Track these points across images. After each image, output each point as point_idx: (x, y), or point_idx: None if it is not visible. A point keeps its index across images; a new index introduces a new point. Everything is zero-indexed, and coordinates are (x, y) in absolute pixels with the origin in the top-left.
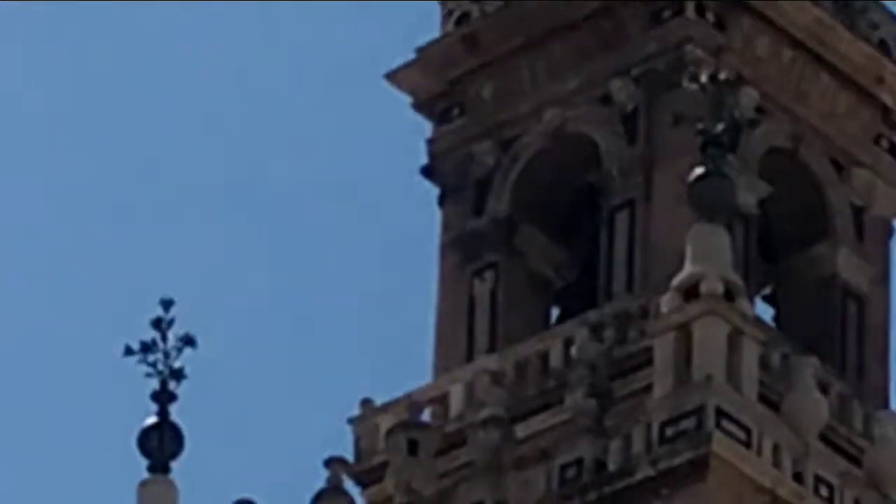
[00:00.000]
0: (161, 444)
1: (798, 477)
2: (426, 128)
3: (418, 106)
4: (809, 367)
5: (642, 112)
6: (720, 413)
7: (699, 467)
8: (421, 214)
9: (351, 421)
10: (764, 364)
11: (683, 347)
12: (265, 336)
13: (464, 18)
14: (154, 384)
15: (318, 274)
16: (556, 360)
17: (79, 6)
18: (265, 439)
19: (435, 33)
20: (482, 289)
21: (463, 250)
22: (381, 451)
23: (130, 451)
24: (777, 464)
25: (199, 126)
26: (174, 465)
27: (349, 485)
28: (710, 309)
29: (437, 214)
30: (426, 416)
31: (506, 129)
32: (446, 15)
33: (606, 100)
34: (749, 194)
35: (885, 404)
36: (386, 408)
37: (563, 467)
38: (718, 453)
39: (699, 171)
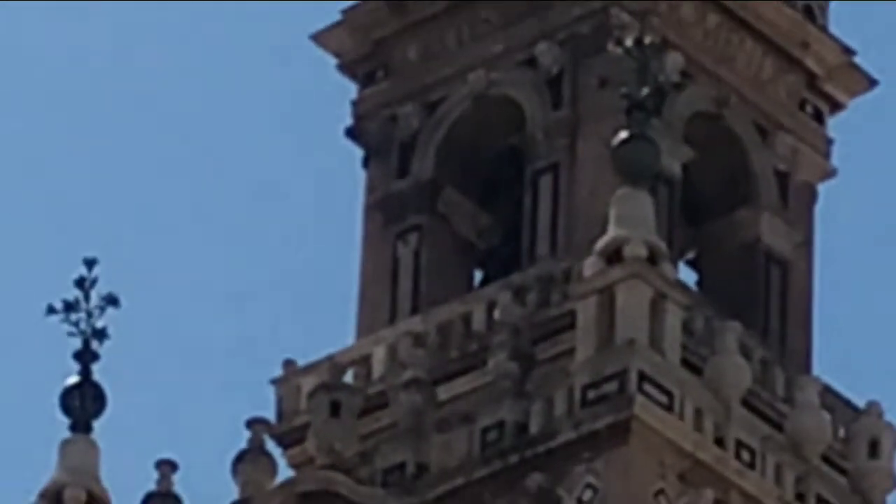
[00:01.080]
0: (83, 403)
1: (720, 441)
2: (351, 89)
3: (343, 67)
4: (732, 332)
5: (567, 76)
6: (642, 377)
7: (621, 431)
8: (345, 176)
9: (273, 382)
10: (687, 328)
11: (606, 311)
12: (188, 296)
13: None
14: (76, 343)
15: (241, 235)
16: (478, 322)
17: None
18: (187, 400)
19: None
20: (406, 251)
21: (386, 212)
22: (303, 413)
23: (52, 410)
24: (699, 428)
25: (122, 83)
26: (96, 424)
27: (271, 446)
28: (633, 273)
29: (361, 176)
30: (348, 377)
31: (431, 91)
32: None
33: (531, 63)
34: (673, 159)
35: (807, 369)
36: (308, 369)
37: (485, 430)
38: (640, 417)
39: (623, 135)
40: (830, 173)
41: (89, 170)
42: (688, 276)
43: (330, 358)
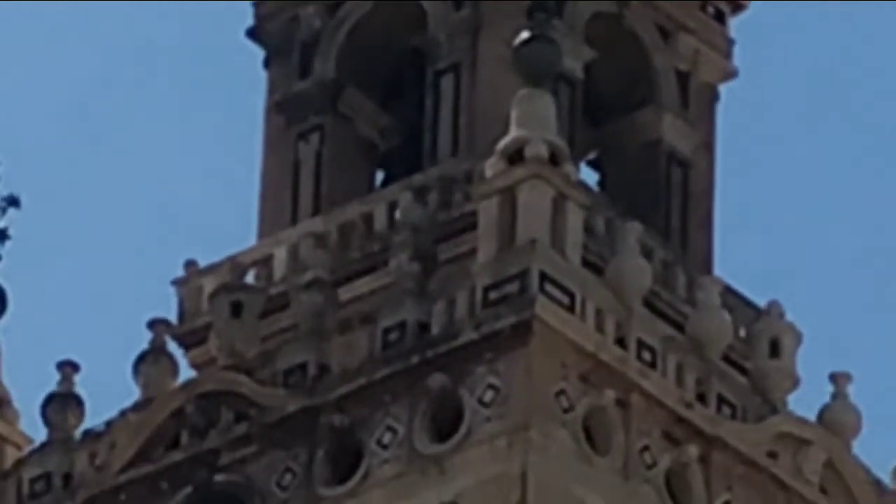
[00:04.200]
0: None
1: (621, 342)
2: None
3: None
4: (633, 232)
5: None
6: (544, 277)
7: (522, 331)
8: (246, 76)
9: (174, 283)
10: (588, 229)
11: (508, 211)
12: (89, 197)
13: None
14: None
15: (143, 135)
16: (380, 223)
17: None
18: (88, 301)
19: None
20: (307, 151)
21: (288, 113)
22: (204, 313)
23: None
24: (600, 328)
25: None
26: None
27: (172, 346)
28: (534, 173)
29: (262, 77)
30: (250, 278)
31: None
32: None
33: None
34: (574, 59)
35: (708, 270)
36: (209, 270)
37: (386, 330)
38: (542, 317)
39: (524, 35)
40: (731, 74)
41: None
42: (589, 176)
43: (231, 259)
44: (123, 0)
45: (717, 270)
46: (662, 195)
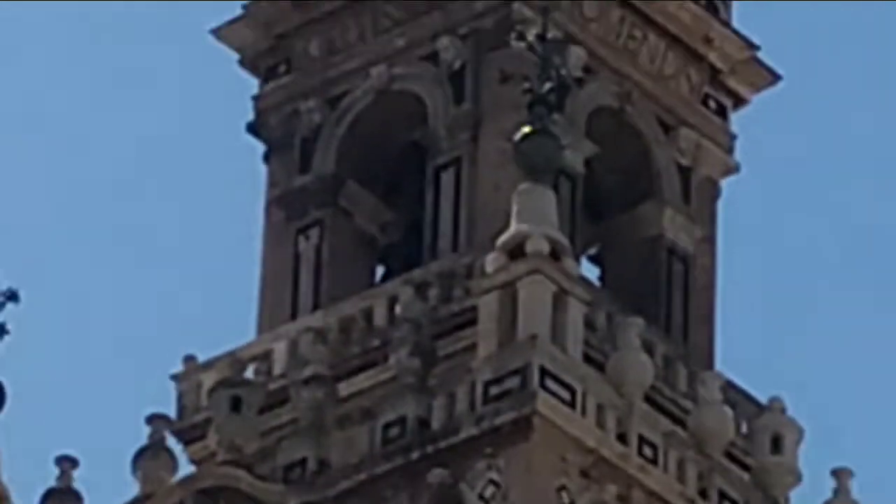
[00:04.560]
0: None
1: (622, 437)
2: (253, 85)
3: (244, 62)
4: (634, 328)
5: (469, 70)
6: (544, 373)
7: (523, 427)
8: (246, 171)
9: (174, 377)
10: (589, 324)
11: (508, 307)
12: (88, 291)
13: None
14: None
15: (142, 229)
16: (380, 318)
17: None
18: (87, 396)
19: None
20: (307, 246)
21: (288, 207)
22: (204, 408)
23: None
24: (601, 424)
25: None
26: None
27: (172, 441)
28: (535, 268)
29: (262, 171)
30: (250, 373)
31: (333, 86)
32: None
33: (433, 58)
34: (575, 154)
35: (710, 365)
36: (209, 364)
37: (387, 426)
38: (542, 413)
39: (525, 130)
40: (733, 169)
41: None
42: (590, 271)
43: (231, 353)
44: (123, 93)
45: (719, 365)
46: (664, 290)
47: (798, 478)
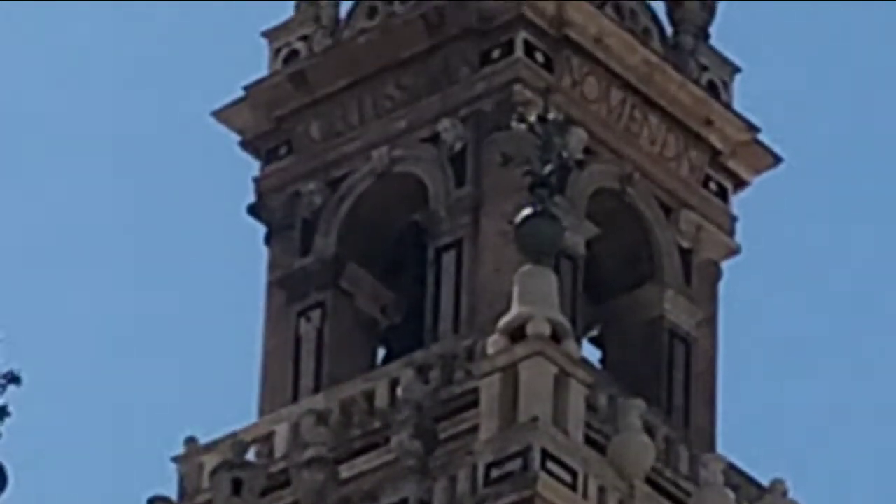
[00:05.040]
0: None
1: None
2: (254, 166)
3: (245, 144)
4: (636, 410)
5: (470, 152)
6: (546, 455)
7: None
8: (247, 253)
9: (175, 459)
10: (590, 406)
11: (510, 389)
12: (90, 373)
13: (292, 56)
14: None
15: (144, 311)
16: (381, 400)
17: None
18: (90, 477)
19: (263, 71)
20: (308, 328)
21: (289, 289)
22: (205, 490)
23: None
24: None
25: (26, 157)
26: None
27: None
28: (536, 350)
29: (263, 253)
30: (251, 455)
31: (334, 167)
32: (274, 53)
33: (434, 140)
34: (576, 235)
35: (711, 447)
36: (210, 446)
37: None
38: (544, 495)
39: (526, 211)
40: (734, 251)
41: None
42: (592, 353)
43: (232, 435)
44: (124, 174)
45: (721, 447)
46: (665, 372)
47: None
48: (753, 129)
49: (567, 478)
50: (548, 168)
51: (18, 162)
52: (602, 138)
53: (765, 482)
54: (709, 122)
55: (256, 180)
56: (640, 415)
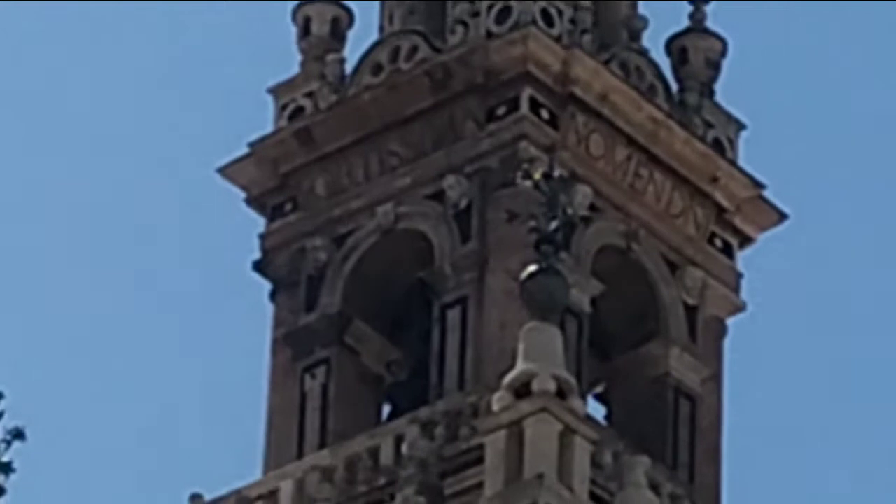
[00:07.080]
0: None
1: None
2: (259, 222)
3: (251, 200)
4: (641, 466)
5: (475, 209)
6: None
7: None
8: (252, 309)
9: None
10: (595, 463)
11: (515, 445)
12: (95, 430)
13: (297, 113)
14: None
15: (148, 367)
16: (386, 457)
17: None
18: None
19: (268, 127)
20: (313, 385)
21: (294, 346)
22: None
23: None
24: None
25: (35, 216)
26: None
27: None
28: (541, 407)
29: (269, 309)
30: None
31: (339, 224)
32: (280, 109)
33: (439, 196)
34: (582, 292)
35: None
36: (215, 503)
37: None
38: None
39: (532, 268)
40: (740, 308)
41: None
42: (597, 409)
43: (237, 492)
44: (128, 230)
45: None
46: (670, 429)
47: None
48: (759, 185)
49: None
50: (553, 225)
51: (20, 237)
52: (607, 195)
53: None
54: (714, 179)
55: (262, 237)
56: (646, 471)
